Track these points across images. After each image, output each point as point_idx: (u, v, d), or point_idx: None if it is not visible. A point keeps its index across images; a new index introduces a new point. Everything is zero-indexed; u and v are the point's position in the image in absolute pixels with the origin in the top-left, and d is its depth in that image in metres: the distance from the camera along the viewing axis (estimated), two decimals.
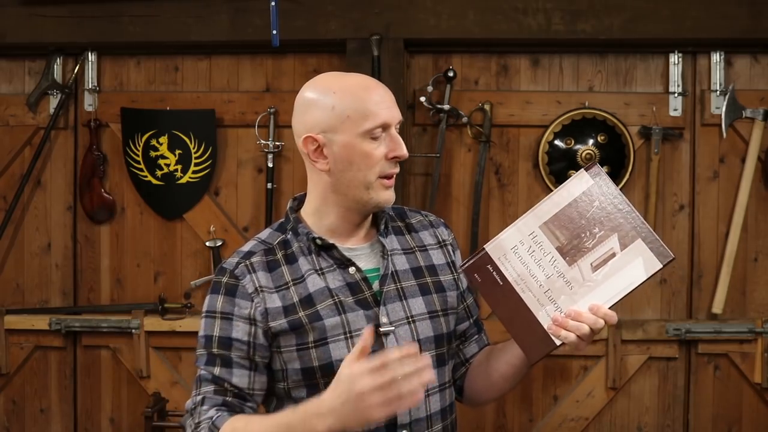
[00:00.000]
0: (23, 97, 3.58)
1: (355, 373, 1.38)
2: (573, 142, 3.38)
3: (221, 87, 3.56)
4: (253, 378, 1.60)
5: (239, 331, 1.59)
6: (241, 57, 3.54)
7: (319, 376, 1.58)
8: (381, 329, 1.58)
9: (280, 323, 1.58)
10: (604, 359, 3.37)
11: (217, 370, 1.59)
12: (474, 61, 3.47)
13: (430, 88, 3.34)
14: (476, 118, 3.42)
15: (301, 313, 1.58)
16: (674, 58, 3.36)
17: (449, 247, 1.76)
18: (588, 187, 1.55)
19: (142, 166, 3.52)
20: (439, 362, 1.66)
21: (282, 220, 1.72)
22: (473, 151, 3.46)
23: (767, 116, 3.30)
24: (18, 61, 3.63)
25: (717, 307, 3.34)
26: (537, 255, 1.55)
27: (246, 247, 1.67)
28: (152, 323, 3.48)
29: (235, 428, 1.52)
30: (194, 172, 3.51)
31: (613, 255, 1.53)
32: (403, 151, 1.61)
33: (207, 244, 3.52)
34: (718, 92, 3.35)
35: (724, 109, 3.31)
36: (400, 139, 1.62)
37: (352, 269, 1.62)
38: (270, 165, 3.46)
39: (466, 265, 1.58)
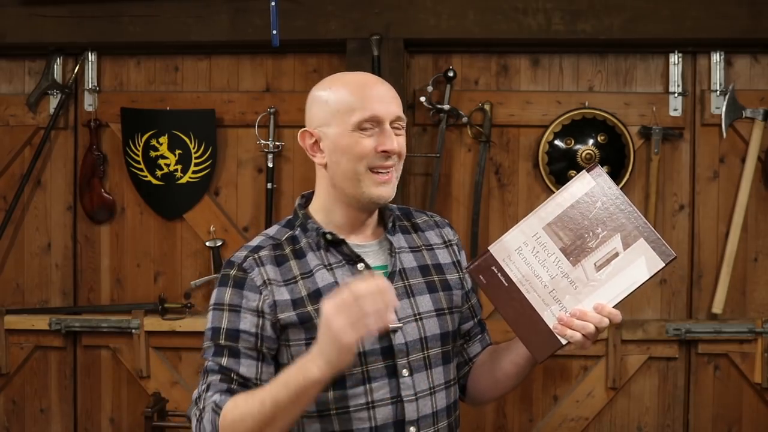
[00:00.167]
0: (23, 97, 3.58)
1: (327, 307, 1.41)
2: (573, 142, 3.38)
3: (221, 87, 3.56)
4: (260, 368, 1.60)
5: (247, 322, 1.59)
6: (241, 57, 3.54)
7: None
8: (389, 325, 1.58)
9: (288, 315, 1.59)
10: (604, 359, 3.37)
11: (224, 361, 1.59)
12: (474, 61, 3.47)
13: (430, 88, 3.34)
14: (476, 118, 3.42)
15: (310, 307, 1.59)
16: (674, 58, 3.36)
17: (454, 247, 1.78)
18: (590, 188, 1.57)
19: (142, 166, 3.52)
20: (444, 359, 1.68)
21: (290, 216, 1.73)
22: (473, 151, 3.46)
23: (767, 116, 3.30)
24: (18, 61, 3.63)
25: (717, 307, 3.34)
26: (541, 256, 1.57)
27: (254, 242, 1.68)
28: (152, 323, 3.48)
29: (236, 403, 1.53)
30: (194, 172, 3.51)
31: (616, 255, 1.55)
32: (392, 145, 1.61)
33: (207, 244, 3.52)
34: (718, 92, 3.35)
35: (724, 109, 3.31)
36: (392, 134, 1.62)
37: (360, 265, 1.64)
38: (270, 165, 3.46)
39: (471, 266, 1.60)
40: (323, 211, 1.68)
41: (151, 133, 3.50)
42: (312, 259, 1.64)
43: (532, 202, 3.44)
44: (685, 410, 3.42)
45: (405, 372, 1.61)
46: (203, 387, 1.59)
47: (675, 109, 3.38)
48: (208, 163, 3.50)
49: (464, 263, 1.78)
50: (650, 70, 3.42)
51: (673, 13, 3.23)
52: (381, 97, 1.63)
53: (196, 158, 3.50)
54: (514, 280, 1.58)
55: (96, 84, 3.56)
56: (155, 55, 3.56)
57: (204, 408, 1.56)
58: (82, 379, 3.61)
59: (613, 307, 1.56)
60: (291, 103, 3.49)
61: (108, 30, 3.39)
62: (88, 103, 3.57)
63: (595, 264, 1.56)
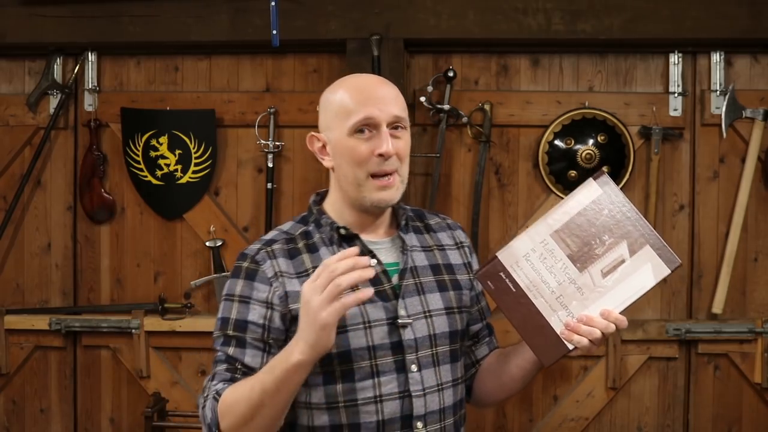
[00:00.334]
0: (23, 97, 3.58)
1: (305, 289, 1.46)
2: (573, 142, 3.38)
3: (221, 87, 3.56)
4: (265, 359, 1.61)
5: (255, 314, 1.62)
6: (241, 57, 3.54)
7: (336, 363, 1.61)
8: (399, 321, 1.63)
9: (299, 306, 1.59)
10: (604, 359, 3.37)
11: (231, 351, 1.62)
12: (474, 61, 3.47)
13: (430, 88, 3.34)
14: (476, 118, 3.42)
15: None
16: (674, 58, 3.36)
17: (466, 249, 1.82)
18: (597, 195, 1.60)
19: (142, 166, 3.52)
20: (452, 358, 1.71)
21: (305, 213, 1.76)
22: (473, 151, 3.46)
23: (767, 116, 3.30)
24: (18, 61, 3.63)
25: (717, 307, 3.34)
26: (549, 262, 1.60)
27: (268, 236, 1.72)
28: (152, 323, 3.48)
29: (232, 390, 1.57)
30: (194, 172, 3.51)
31: (623, 261, 1.59)
32: (386, 147, 1.62)
33: (207, 244, 3.51)
34: (718, 92, 3.35)
35: (724, 109, 3.31)
36: (387, 137, 1.63)
37: (372, 261, 1.63)
38: (270, 165, 3.46)
39: (480, 272, 1.63)
40: (335, 210, 1.71)
41: (151, 133, 3.50)
42: (325, 253, 1.66)
43: (532, 202, 3.44)
44: (685, 410, 3.42)
45: (414, 367, 1.63)
46: (210, 376, 1.63)
47: (675, 109, 3.38)
48: (208, 163, 3.50)
49: (475, 266, 1.80)
50: (650, 70, 3.42)
51: (673, 13, 3.23)
52: (378, 99, 1.64)
53: (196, 158, 3.50)
54: (522, 285, 1.60)
55: (96, 84, 3.56)
56: (155, 55, 3.56)
57: (207, 396, 1.60)
58: (82, 379, 3.61)
59: (620, 313, 1.59)
60: (291, 103, 3.49)
61: (108, 30, 3.39)
62: (88, 103, 3.57)
63: (601, 270, 1.59)
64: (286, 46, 3.36)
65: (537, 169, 3.43)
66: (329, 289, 1.42)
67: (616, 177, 3.34)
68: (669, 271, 1.58)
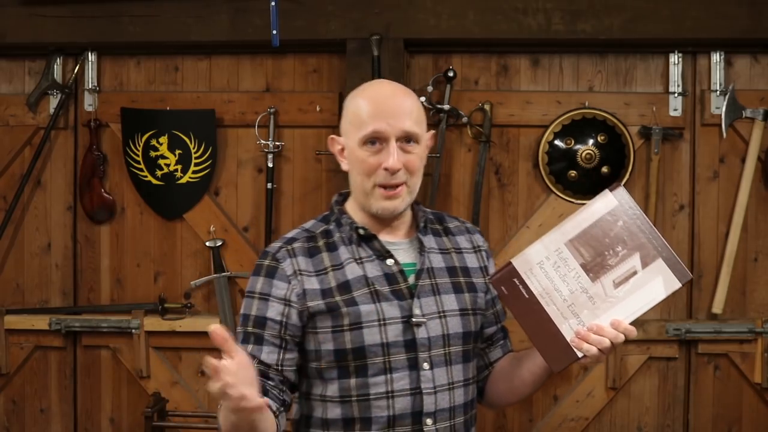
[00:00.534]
0: (23, 97, 3.58)
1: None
2: (573, 142, 3.38)
3: (221, 87, 3.56)
4: (282, 355, 1.69)
5: (274, 311, 1.69)
6: (241, 57, 3.54)
7: (350, 359, 1.66)
8: (413, 320, 1.67)
9: (317, 303, 1.67)
10: (604, 359, 3.36)
11: (249, 348, 1.68)
12: (474, 61, 3.47)
13: (430, 88, 3.34)
14: (476, 118, 3.42)
15: (338, 297, 1.67)
16: (674, 58, 3.36)
17: (483, 253, 1.85)
18: (612, 207, 1.63)
19: (142, 166, 3.52)
20: (465, 358, 1.75)
21: (327, 212, 1.82)
22: (473, 151, 3.46)
23: (767, 116, 3.30)
24: (18, 61, 3.63)
25: (717, 307, 3.34)
26: (562, 270, 1.62)
27: (290, 234, 1.78)
28: (152, 323, 3.48)
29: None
30: (194, 172, 3.51)
31: (635, 273, 1.61)
32: (392, 163, 1.67)
33: (207, 244, 3.51)
34: (718, 92, 3.35)
35: (724, 109, 3.31)
36: (394, 151, 1.67)
37: (390, 261, 1.71)
38: (270, 165, 3.46)
39: (494, 278, 1.66)
40: (354, 210, 1.77)
41: (151, 133, 3.50)
42: (343, 252, 1.72)
43: (532, 202, 3.44)
44: (685, 410, 3.42)
45: (426, 365, 1.67)
46: None
47: (675, 109, 3.38)
48: (208, 163, 3.50)
49: (491, 269, 1.84)
50: (650, 70, 3.42)
51: (673, 13, 3.23)
52: (389, 114, 1.68)
53: (196, 158, 3.50)
54: (535, 292, 1.63)
55: (96, 84, 3.56)
56: (155, 55, 3.56)
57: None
58: (82, 379, 3.61)
59: (629, 323, 1.61)
60: (291, 103, 3.49)
61: (108, 30, 3.39)
62: (88, 103, 3.57)
63: (613, 281, 1.61)
64: (286, 46, 3.36)
65: (537, 169, 3.43)
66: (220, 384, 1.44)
67: (616, 177, 3.35)
68: (680, 285, 1.62)
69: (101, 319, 3.51)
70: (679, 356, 3.38)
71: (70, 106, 3.59)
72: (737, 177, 3.36)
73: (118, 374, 3.58)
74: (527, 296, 1.62)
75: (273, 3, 3.22)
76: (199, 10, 3.35)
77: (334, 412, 1.68)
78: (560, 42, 3.33)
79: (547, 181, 3.40)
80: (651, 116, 3.37)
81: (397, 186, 1.69)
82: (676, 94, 3.37)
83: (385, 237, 1.74)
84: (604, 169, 3.36)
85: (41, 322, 3.51)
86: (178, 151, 3.50)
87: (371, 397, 1.66)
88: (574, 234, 1.62)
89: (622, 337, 1.60)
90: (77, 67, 3.54)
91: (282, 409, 1.69)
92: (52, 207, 3.63)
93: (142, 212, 3.59)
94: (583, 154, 3.37)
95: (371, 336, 1.65)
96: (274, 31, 3.25)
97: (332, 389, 1.68)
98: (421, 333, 1.67)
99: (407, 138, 1.69)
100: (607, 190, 1.64)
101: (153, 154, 3.50)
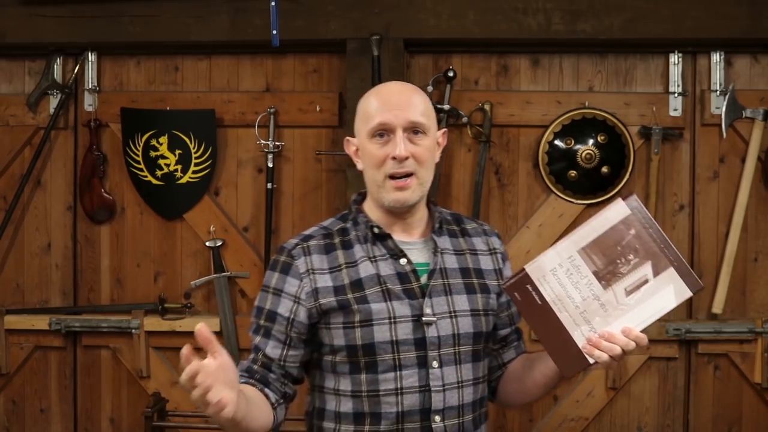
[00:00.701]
0: (23, 97, 3.58)
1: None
2: (573, 142, 3.38)
3: (221, 87, 3.56)
4: (285, 351, 1.74)
5: (284, 307, 1.74)
6: (241, 57, 3.54)
7: (360, 355, 1.70)
8: (423, 319, 1.70)
9: (329, 300, 1.71)
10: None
11: (257, 339, 1.76)
12: (474, 61, 3.47)
13: (430, 88, 3.34)
14: (476, 118, 3.42)
15: (350, 295, 1.71)
16: (674, 58, 3.36)
17: (498, 256, 1.87)
18: (625, 215, 1.64)
19: (142, 166, 3.52)
20: (475, 357, 1.77)
21: (346, 211, 1.86)
22: (473, 151, 3.46)
23: (767, 116, 3.30)
24: (18, 61, 3.63)
25: (717, 307, 3.34)
26: (574, 278, 1.65)
27: (307, 231, 1.82)
28: (152, 323, 3.48)
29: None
30: (194, 172, 3.51)
31: (646, 281, 1.63)
32: (398, 151, 1.71)
33: (207, 244, 3.51)
34: (718, 92, 3.35)
35: (724, 109, 3.31)
36: (401, 141, 1.71)
37: (403, 260, 1.74)
38: (270, 165, 3.46)
39: (507, 284, 1.69)
40: (370, 208, 1.81)
41: (151, 133, 3.50)
42: (358, 250, 1.76)
43: (532, 202, 3.44)
44: (685, 410, 3.42)
45: (435, 364, 1.70)
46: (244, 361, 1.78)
47: (675, 109, 3.38)
48: (208, 163, 3.50)
49: (507, 272, 1.86)
50: (650, 70, 3.42)
51: (673, 13, 3.23)
52: (395, 105, 1.73)
53: (196, 158, 3.50)
54: (548, 299, 1.65)
55: (96, 84, 3.56)
56: (155, 55, 3.56)
57: None
58: (82, 379, 3.61)
59: (641, 331, 1.63)
60: (291, 103, 3.49)
61: (108, 30, 3.39)
62: (88, 103, 3.57)
63: (625, 289, 1.63)
64: (286, 46, 3.36)
65: (537, 169, 3.43)
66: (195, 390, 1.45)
67: (616, 177, 3.35)
68: (691, 294, 1.63)
69: (101, 319, 3.51)
70: (679, 356, 3.38)
71: (70, 106, 3.59)
72: (737, 177, 3.36)
73: (118, 374, 3.58)
74: (540, 302, 1.65)
75: (273, 3, 3.23)
76: (199, 10, 3.35)
77: (347, 405, 1.72)
78: (560, 42, 3.33)
79: (547, 181, 3.40)
80: (651, 116, 3.37)
81: (406, 176, 1.71)
82: (676, 94, 3.37)
83: (400, 237, 1.77)
84: (604, 169, 3.37)
85: (41, 322, 3.51)
86: (178, 151, 3.50)
87: (381, 393, 1.69)
88: (586, 242, 1.64)
89: (632, 345, 1.62)
90: (77, 67, 3.54)
91: (282, 401, 1.74)
92: (52, 207, 3.63)
93: (142, 212, 3.59)
94: (583, 154, 3.37)
95: (381, 333, 1.68)
96: (274, 31, 3.26)
97: (345, 383, 1.72)
98: (431, 332, 1.70)
99: (414, 129, 1.72)
100: (619, 199, 1.66)
101: (153, 154, 3.50)
